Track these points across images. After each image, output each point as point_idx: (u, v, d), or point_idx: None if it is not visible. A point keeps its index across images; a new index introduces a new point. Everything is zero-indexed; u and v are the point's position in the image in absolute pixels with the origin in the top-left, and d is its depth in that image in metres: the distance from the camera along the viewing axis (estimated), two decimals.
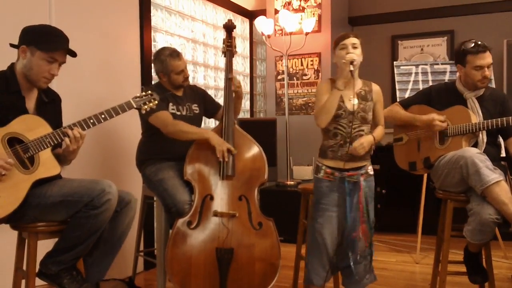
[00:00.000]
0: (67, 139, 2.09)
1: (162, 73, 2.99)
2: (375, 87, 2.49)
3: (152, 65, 3.21)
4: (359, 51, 2.40)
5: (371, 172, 2.44)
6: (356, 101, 2.39)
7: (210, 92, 3.62)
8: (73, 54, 2.19)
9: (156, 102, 2.33)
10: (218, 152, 2.73)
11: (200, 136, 2.79)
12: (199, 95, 3.16)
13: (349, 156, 2.36)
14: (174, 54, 2.97)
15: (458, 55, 2.75)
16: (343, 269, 2.45)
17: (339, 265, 2.44)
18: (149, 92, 2.33)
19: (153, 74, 3.78)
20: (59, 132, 2.09)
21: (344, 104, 2.37)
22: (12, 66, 2.17)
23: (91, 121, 2.14)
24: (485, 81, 2.70)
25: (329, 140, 2.41)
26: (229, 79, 2.88)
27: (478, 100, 2.72)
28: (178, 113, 2.97)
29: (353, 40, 2.40)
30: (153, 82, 3.74)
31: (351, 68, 2.32)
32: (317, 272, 2.39)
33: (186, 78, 3.02)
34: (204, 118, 3.25)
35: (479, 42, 2.67)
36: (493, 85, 4.24)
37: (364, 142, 2.35)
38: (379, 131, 2.48)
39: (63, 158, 2.21)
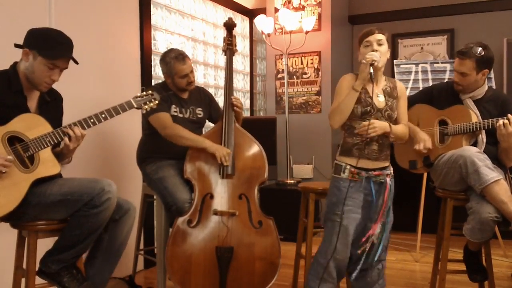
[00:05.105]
0: (66, 139, 2.09)
1: (166, 74, 2.99)
2: (399, 84, 2.37)
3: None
4: (384, 48, 2.24)
5: (392, 174, 2.35)
6: (383, 98, 2.27)
7: (210, 91, 3.61)
8: (75, 61, 2.18)
9: (157, 102, 2.33)
10: (218, 158, 2.74)
11: (197, 144, 2.79)
12: (206, 100, 3.15)
13: (376, 155, 2.24)
14: (180, 57, 2.94)
15: None
16: (355, 272, 2.32)
17: (349, 268, 2.34)
18: (150, 92, 2.33)
19: (153, 73, 3.78)
20: (59, 131, 2.09)
21: (373, 100, 2.23)
22: (15, 66, 2.16)
23: (91, 120, 2.14)
24: (458, 86, 2.68)
25: (353, 138, 2.25)
26: (230, 81, 2.89)
27: (478, 101, 2.70)
28: (181, 115, 2.97)
29: (378, 36, 2.23)
30: (153, 81, 3.75)
31: (371, 71, 2.15)
32: (332, 276, 2.29)
33: (190, 83, 2.98)
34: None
35: (463, 49, 2.62)
36: (493, 84, 4.24)
37: (377, 124, 2.19)
38: (400, 127, 2.32)
39: (61, 157, 2.21)
